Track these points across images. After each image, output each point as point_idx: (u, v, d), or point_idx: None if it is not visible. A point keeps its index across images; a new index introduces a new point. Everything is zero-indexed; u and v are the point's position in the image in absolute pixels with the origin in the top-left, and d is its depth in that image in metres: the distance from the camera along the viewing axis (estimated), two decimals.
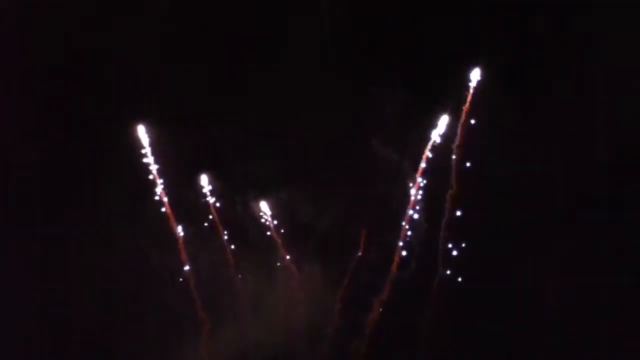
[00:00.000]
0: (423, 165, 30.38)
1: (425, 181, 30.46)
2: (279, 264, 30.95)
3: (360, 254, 30.71)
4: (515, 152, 29.35)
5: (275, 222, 31.06)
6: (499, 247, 29.40)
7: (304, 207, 30.40)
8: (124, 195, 29.90)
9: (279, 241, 31.09)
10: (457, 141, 29.97)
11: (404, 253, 30.36)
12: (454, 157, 30.06)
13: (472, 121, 29.86)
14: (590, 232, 29.14)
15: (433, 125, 30.23)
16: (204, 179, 31.13)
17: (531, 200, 29.78)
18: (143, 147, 30.24)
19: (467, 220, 29.97)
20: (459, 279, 29.92)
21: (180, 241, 30.28)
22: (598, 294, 28.86)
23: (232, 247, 30.89)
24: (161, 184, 30.35)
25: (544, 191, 29.78)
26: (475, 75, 29.76)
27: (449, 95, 29.92)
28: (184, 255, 30.23)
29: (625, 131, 28.86)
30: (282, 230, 31.20)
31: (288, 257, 30.95)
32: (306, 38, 30.41)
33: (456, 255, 29.90)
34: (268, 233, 31.09)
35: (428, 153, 30.31)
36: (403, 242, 30.31)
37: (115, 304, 29.79)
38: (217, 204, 31.16)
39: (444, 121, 30.18)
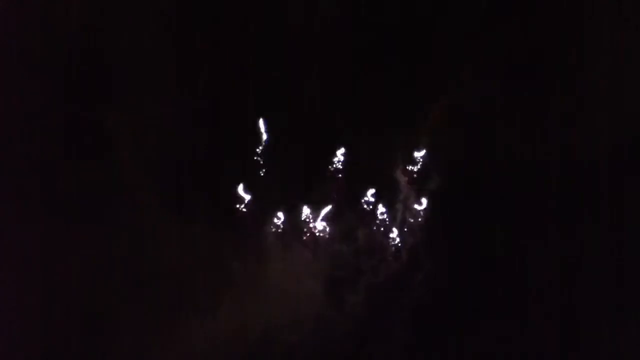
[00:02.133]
0: (420, 163, 30.40)
1: (421, 179, 30.43)
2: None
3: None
4: (513, 149, 29.49)
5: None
6: (496, 246, 29.41)
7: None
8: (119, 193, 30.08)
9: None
10: (455, 139, 29.87)
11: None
12: (452, 155, 30.04)
13: (471, 119, 29.87)
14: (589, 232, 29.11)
15: (431, 123, 30.24)
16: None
17: (530, 198, 29.66)
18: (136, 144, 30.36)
19: (463, 217, 29.86)
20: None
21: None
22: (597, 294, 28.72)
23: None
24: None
25: (544, 189, 29.68)
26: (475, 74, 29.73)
27: (448, 93, 29.89)
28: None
29: (625, 130, 28.82)
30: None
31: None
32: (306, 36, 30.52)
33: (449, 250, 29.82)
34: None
35: (425, 151, 30.32)
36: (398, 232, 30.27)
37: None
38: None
39: (442, 119, 30.16)
